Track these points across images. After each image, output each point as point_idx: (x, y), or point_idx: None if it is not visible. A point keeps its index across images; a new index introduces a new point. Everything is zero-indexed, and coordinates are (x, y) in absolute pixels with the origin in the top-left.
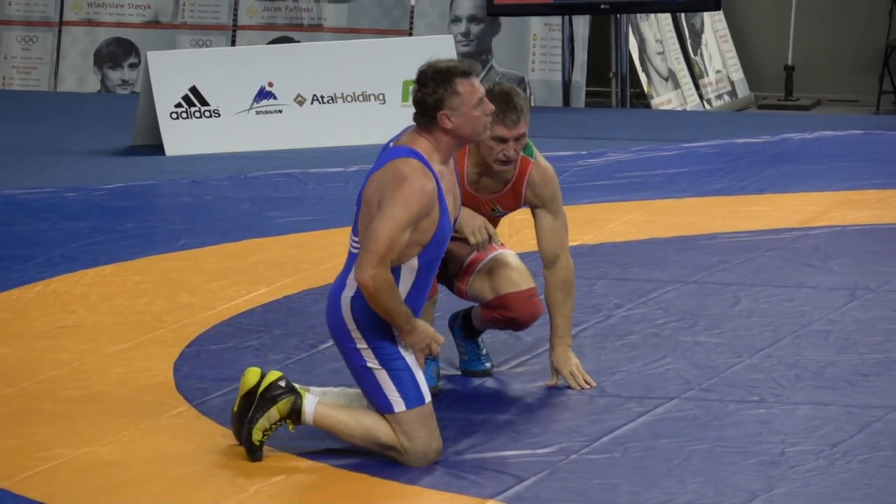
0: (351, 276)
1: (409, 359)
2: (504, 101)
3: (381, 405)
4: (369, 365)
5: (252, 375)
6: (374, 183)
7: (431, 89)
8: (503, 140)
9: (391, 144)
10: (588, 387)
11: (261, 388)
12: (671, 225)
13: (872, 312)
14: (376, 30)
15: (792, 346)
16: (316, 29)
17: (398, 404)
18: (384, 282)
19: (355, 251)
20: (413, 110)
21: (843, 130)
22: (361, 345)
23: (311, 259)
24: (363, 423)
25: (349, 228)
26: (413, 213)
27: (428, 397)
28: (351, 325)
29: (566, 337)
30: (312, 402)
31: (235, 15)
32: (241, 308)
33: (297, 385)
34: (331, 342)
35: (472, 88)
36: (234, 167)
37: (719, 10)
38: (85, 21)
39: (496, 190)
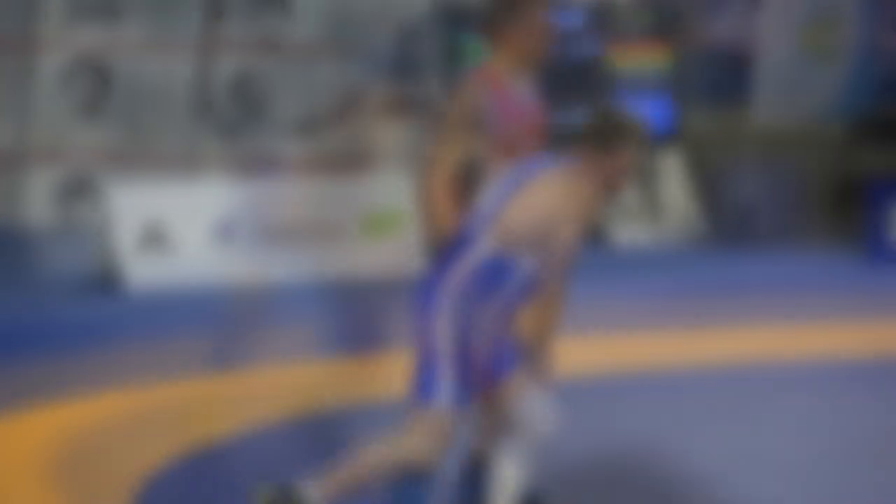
0: None
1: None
2: None
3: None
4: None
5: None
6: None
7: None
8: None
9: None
10: None
11: None
12: (628, 360)
13: (829, 446)
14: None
15: (747, 483)
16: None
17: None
18: None
19: None
20: None
21: (801, 266)
22: None
23: (271, 395)
24: (368, 456)
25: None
26: None
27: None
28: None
29: None
30: (310, 491)
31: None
32: (203, 444)
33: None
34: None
35: None
36: (194, 301)
37: (678, 147)
38: (47, 156)
39: (531, 82)
